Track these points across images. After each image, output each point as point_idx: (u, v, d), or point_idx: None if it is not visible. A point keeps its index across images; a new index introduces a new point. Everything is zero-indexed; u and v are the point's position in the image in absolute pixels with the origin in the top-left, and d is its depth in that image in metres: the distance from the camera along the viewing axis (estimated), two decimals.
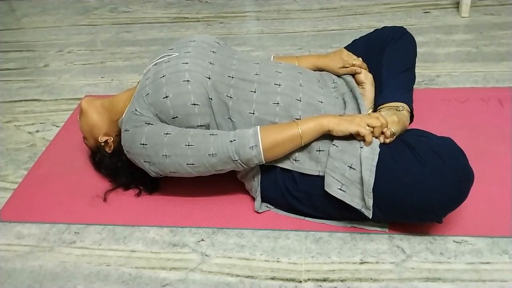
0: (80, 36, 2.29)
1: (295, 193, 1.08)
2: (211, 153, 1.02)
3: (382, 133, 1.01)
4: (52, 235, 1.18)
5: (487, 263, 0.99)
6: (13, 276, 1.08)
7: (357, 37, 1.36)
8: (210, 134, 1.04)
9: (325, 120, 1.01)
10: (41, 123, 1.64)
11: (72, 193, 1.29)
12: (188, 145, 1.03)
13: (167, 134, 1.05)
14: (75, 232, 1.18)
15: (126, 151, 1.12)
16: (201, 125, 1.08)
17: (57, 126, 1.60)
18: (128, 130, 1.09)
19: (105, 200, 1.24)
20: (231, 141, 1.01)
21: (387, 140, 1.01)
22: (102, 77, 1.89)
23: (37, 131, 1.60)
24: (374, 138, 1.01)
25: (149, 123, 1.07)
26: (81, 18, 2.51)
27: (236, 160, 1.02)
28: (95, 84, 1.85)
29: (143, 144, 1.07)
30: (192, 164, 1.04)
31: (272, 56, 1.31)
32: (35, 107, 1.74)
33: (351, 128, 0.99)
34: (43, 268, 1.09)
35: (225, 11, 2.38)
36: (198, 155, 1.03)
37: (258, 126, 1.03)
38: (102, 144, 1.20)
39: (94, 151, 1.26)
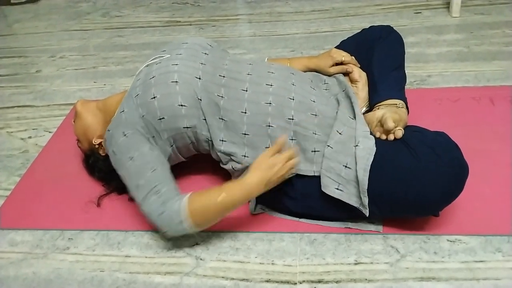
0: (72, 41, 2.29)
1: (291, 194, 1.08)
2: (144, 211, 1.03)
3: (392, 133, 1.02)
4: (46, 241, 1.17)
5: (481, 261, 0.99)
6: (6, 283, 1.07)
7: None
8: (156, 192, 1.01)
9: (254, 189, 0.98)
10: (33, 129, 1.63)
11: (66, 199, 1.28)
12: (136, 186, 1.04)
13: (131, 158, 1.06)
14: (69, 238, 1.17)
15: (106, 148, 1.14)
16: (187, 127, 1.08)
17: (49, 132, 1.59)
18: (110, 131, 1.12)
19: (98, 205, 1.23)
20: (160, 213, 1.00)
21: (391, 137, 1.02)
22: (94, 82, 1.89)
23: (30, 137, 1.59)
24: (371, 136, 1.02)
25: (125, 134, 1.08)
26: (73, 23, 2.50)
27: (165, 232, 1.02)
28: (88, 89, 1.84)
29: (113, 151, 1.10)
30: (135, 200, 1.06)
31: (266, 58, 1.32)
32: (27, 113, 1.73)
33: (281, 174, 0.98)
34: (37, 275, 1.08)
35: (217, 14, 2.39)
36: (137, 202, 1.05)
37: (186, 199, 0.99)
38: (96, 146, 1.20)
39: (87, 154, 1.26)
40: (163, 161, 1.08)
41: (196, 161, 1.26)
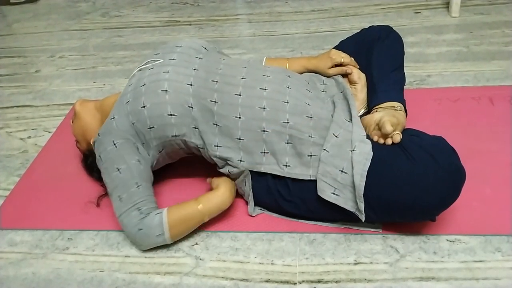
0: (72, 41, 2.29)
1: (288, 198, 1.07)
2: (122, 222, 1.06)
3: (390, 137, 1.02)
4: (45, 241, 1.17)
5: (480, 261, 0.99)
6: (5, 284, 1.07)
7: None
8: (138, 208, 1.04)
9: (228, 197, 1.09)
10: (33, 129, 1.63)
11: (65, 199, 1.28)
12: (119, 197, 1.06)
13: (118, 170, 1.07)
14: (68, 238, 1.17)
15: (95, 150, 1.15)
16: (176, 135, 1.09)
17: (49, 132, 1.59)
18: (100, 136, 1.12)
19: (98, 205, 1.23)
20: (139, 229, 1.04)
21: (389, 141, 1.02)
22: (94, 82, 1.89)
23: (29, 137, 1.59)
24: (367, 141, 1.01)
25: (114, 144, 1.09)
26: (73, 23, 2.50)
27: (140, 245, 1.08)
28: (87, 89, 1.84)
29: (100, 157, 1.11)
30: (113, 208, 1.08)
31: (265, 58, 1.31)
32: (26, 113, 1.73)
33: (233, 191, 1.11)
34: (36, 275, 1.08)
35: (217, 14, 2.39)
36: (116, 212, 1.07)
37: (165, 213, 1.04)
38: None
39: (86, 155, 1.27)
40: (148, 176, 1.11)
41: (193, 163, 1.26)
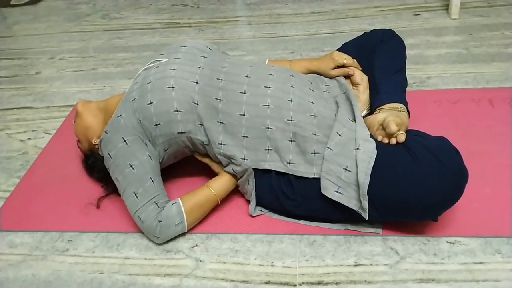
0: (72, 43, 2.29)
1: (291, 196, 1.08)
2: (139, 217, 1.07)
3: (394, 137, 1.02)
4: (45, 243, 1.17)
5: (480, 263, 0.99)
6: (5, 285, 1.07)
7: (347, 40, 1.37)
8: (155, 202, 1.07)
9: (234, 183, 1.15)
10: (33, 130, 1.63)
11: (65, 200, 1.28)
12: (134, 193, 1.07)
13: (131, 166, 1.08)
14: (68, 240, 1.17)
15: (101, 149, 1.15)
16: (182, 132, 1.09)
17: (49, 134, 1.59)
18: (107, 133, 1.12)
19: (98, 207, 1.23)
20: (159, 221, 1.06)
21: (393, 141, 1.02)
22: (94, 84, 1.89)
23: (29, 138, 1.59)
24: (371, 139, 1.01)
25: (124, 140, 1.09)
26: (73, 25, 2.50)
27: (159, 238, 1.09)
28: (87, 90, 1.84)
29: (110, 155, 1.11)
30: (127, 205, 1.10)
31: (267, 60, 1.32)
32: (27, 114, 1.73)
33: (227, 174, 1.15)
34: (36, 277, 1.08)
35: (217, 16, 2.39)
36: (131, 208, 1.09)
37: (180, 202, 1.08)
38: (96, 146, 1.20)
39: (87, 155, 1.27)
40: (159, 171, 1.13)
41: (191, 163, 1.26)
